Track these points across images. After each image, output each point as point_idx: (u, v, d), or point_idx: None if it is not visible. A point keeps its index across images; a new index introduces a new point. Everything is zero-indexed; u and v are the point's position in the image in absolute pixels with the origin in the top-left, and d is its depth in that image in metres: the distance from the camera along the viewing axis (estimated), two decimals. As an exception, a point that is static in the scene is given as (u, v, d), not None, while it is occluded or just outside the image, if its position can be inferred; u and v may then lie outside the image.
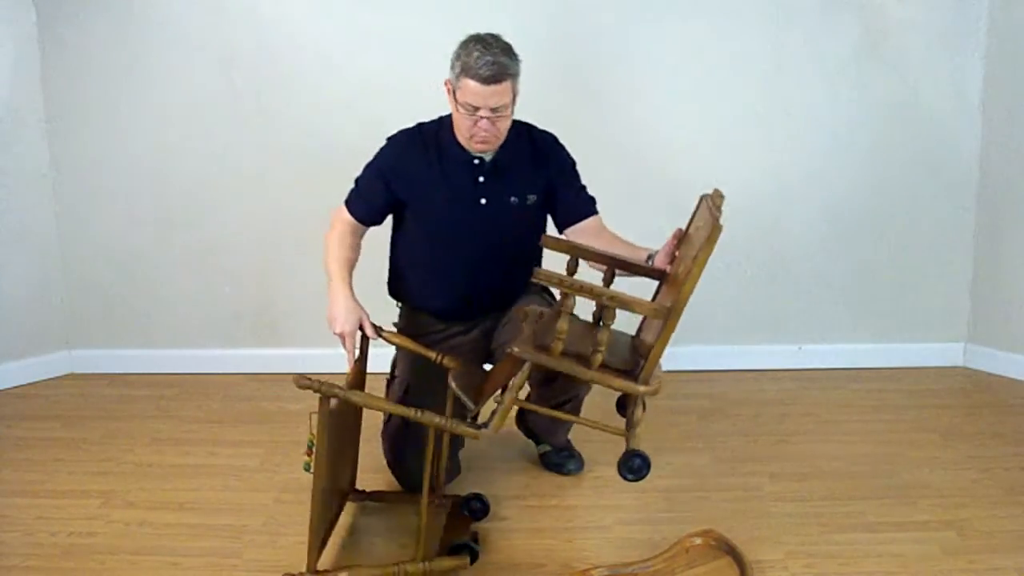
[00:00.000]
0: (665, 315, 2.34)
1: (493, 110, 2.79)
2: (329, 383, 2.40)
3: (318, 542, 2.56)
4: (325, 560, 2.71)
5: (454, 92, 2.83)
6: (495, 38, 2.83)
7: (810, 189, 3.83)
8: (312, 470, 2.47)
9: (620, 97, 3.74)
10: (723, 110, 3.77)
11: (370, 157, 2.92)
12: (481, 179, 2.91)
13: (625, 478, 2.45)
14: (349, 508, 2.96)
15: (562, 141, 3.03)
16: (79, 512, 3.00)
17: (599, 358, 2.38)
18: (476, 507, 2.94)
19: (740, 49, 3.72)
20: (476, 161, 2.90)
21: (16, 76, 3.70)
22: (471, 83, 2.76)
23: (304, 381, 2.37)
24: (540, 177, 2.96)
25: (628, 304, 2.35)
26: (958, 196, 3.83)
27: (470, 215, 2.91)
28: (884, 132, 3.78)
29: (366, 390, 2.69)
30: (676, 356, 3.93)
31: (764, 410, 3.63)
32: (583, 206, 2.99)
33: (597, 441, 3.31)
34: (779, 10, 3.68)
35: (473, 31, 3.67)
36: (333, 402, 2.46)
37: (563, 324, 2.35)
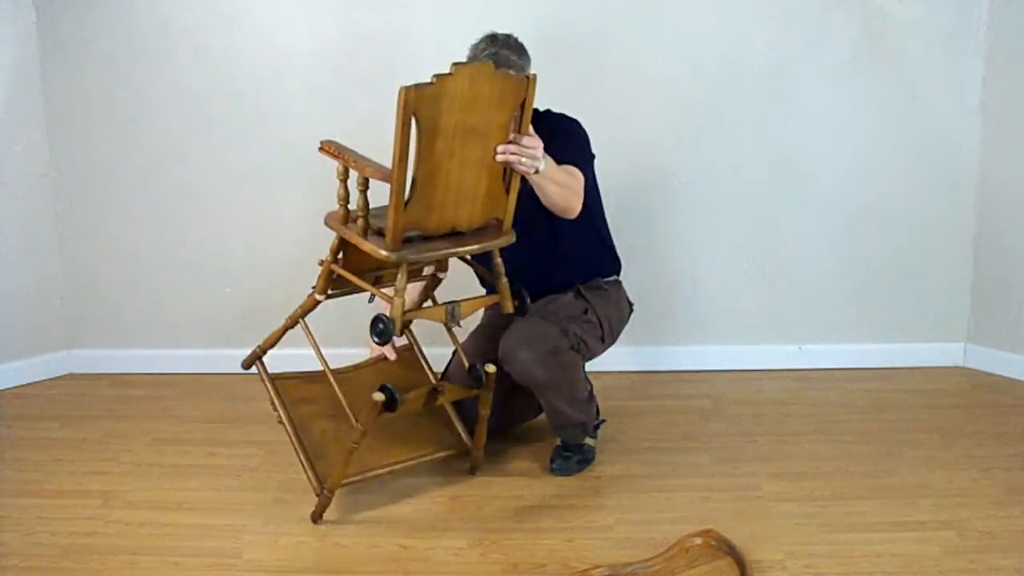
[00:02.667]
0: (388, 179, 2.59)
1: None
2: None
3: (312, 469, 2.95)
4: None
5: None
6: (506, 36, 3.01)
7: (810, 189, 3.83)
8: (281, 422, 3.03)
9: (618, 97, 3.73)
10: (723, 110, 3.77)
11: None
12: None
13: (376, 341, 2.76)
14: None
15: (568, 117, 3.14)
16: (79, 512, 3.00)
17: (360, 224, 2.71)
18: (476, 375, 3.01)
19: (740, 49, 3.72)
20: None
21: (16, 76, 3.70)
22: None
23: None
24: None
25: (362, 168, 2.69)
26: (958, 196, 3.83)
27: None
28: (884, 132, 3.78)
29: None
30: (676, 356, 3.94)
31: (764, 410, 3.63)
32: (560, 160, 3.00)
33: (598, 441, 3.32)
34: (779, 10, 3.68)
35: (472, 29, 3.69)
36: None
37: (341, 190, 2.78)
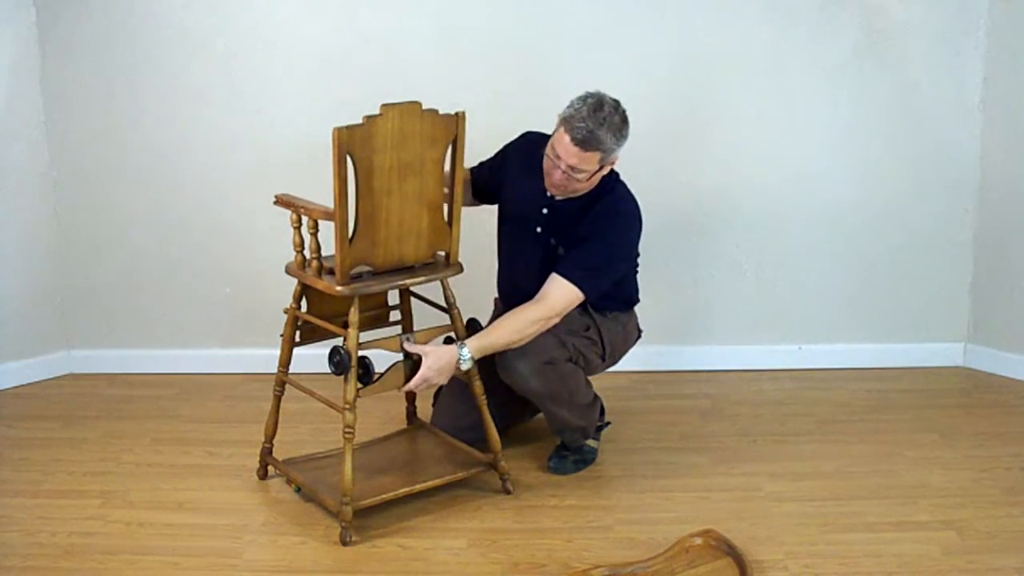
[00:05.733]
0: (332, 218, 2.74)
1: (571, 167, 2.92)
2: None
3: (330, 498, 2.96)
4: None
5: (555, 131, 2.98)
6: (614, 108, 2.94)
7: (810, 189, 3.83)
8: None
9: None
10: (722, 110, 3.77)
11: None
12: (545, 210, 3.09)
13: (333, 372, 2.83)
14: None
15: (629, 216, 3.09)
16: (79, 512, 3.00)
17: (315, 266, 2.88)
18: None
19: (740, 49, 3.71)
20: (548, 193, 3.07)
21: (16, 76, 3.69)
22: (563, 135, 2.91)
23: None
24: (577, 237, 3.04)
25: (309, 212, 2.87)
26: (958, 196, 3.83)
27: (525, 235, 3.13)
28: (884, 132, 3.78)
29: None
30: (676, 356, 3.94)
31: (764, 410, 3.63)
32: (561, 264, 3.02)
33: (600, 442, 3.32)
34: (779, 10, 3.68)
35: (472, 29, 3.70)
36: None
37: (296, 237, 2.95)
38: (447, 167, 2.88)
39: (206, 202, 3.84)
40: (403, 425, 3.40)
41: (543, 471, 3.22)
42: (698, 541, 2.77)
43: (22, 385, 3.86)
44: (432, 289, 3.09)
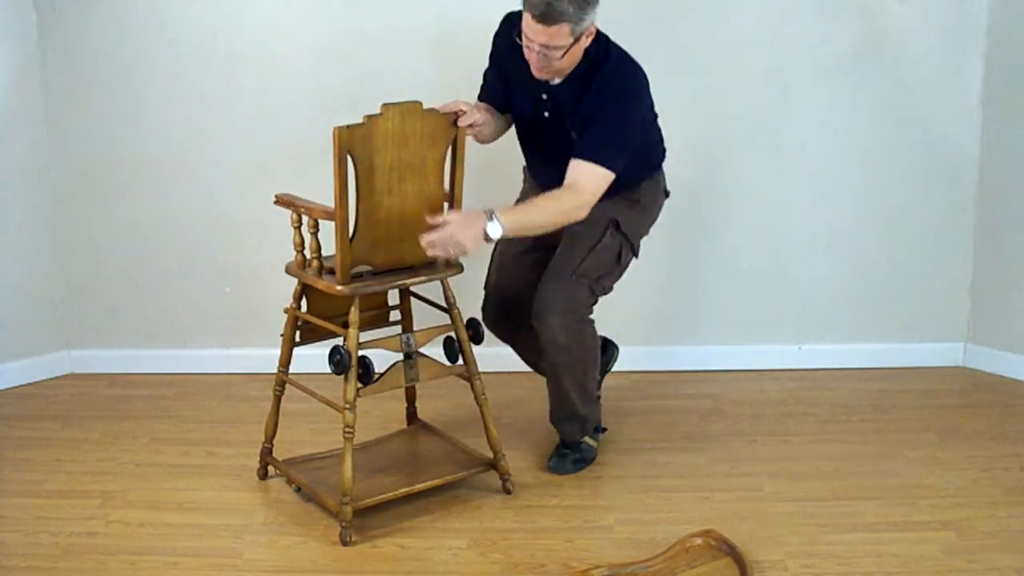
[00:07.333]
0: (333, 218, 2.76)
1: (544, 46, 2.82)
2: None
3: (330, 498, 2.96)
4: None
5: None
6: None
7: (810, 189, 3.83)
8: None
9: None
10: (722, 110, 3.77)
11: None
12: (544, 96, 3.00)
13: (333, 371, 2.83)
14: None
15: (629, 84, 2.94)
16: (79, 512, 3.01)
17: (315, 265, 2.91)
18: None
19: (739, 49, 3.72)
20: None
21: (16, 76, 3.70)
22: (527, 15, 2.80)
23: None
24: (581, 116, 2.94)
25: (310, 211, 2.90)
26: (958, 196, 3.83)
27: (536, 122, 3.06)
28: (884, 132, 3.78)
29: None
30: (676, 356, 3.94)
31: (764, 410, 3.63)
32: (577, 148, 2.91)
33: (598, 443, 3.32)
34: (778, 9, 3.68)
35: (473, 29, 3.69)
36: None
37: (296, 237, 2.99)
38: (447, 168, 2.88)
39: (206, 202, 3.85)
40: (403, 425, 3.40)
41: (543, 471, 3.22)
42: (698, 541, 2.77)
43: (22, 385, 3.86)
44: (432, 289, 3.09)
